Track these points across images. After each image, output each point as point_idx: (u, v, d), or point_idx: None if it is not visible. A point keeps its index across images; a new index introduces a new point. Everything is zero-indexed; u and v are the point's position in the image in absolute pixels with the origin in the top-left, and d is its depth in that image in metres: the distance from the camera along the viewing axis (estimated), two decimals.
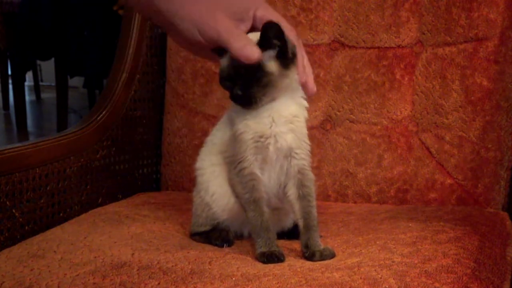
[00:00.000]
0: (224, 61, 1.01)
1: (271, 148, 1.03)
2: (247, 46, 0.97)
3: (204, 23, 0.99)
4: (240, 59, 0.97)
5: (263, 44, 0.98)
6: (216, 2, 1.01)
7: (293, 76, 1.02)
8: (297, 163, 1.04)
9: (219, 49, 1.01)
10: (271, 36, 0.98)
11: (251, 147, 1.02)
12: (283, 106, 1.03)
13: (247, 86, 0.99)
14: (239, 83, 0.99)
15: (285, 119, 1.03)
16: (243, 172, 1.03)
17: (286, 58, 1.00)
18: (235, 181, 1.05)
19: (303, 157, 1.04)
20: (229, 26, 0.99)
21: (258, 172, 1.03)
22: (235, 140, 1.04)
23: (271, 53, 0.99)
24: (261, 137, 1.02)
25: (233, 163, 1.04)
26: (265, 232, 1.01)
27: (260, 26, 1.00)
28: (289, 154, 1.04)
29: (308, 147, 1.06)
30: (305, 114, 1.06)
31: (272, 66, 0.99)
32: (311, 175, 1.05)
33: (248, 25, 1.01)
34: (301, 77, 1.03)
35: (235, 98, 1.01)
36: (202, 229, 1.11)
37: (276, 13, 1.03)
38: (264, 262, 0.98)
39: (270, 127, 1.02)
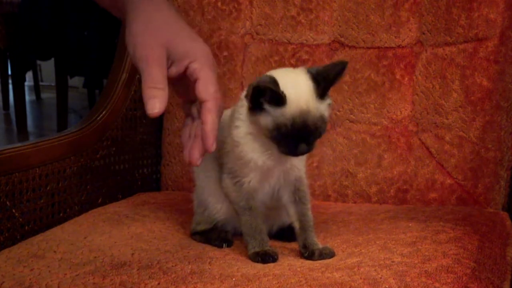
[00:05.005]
0: (285, 115, 0.93)
1: (276, 171, 1.03)
2: (154, 99, 0.90)
3: (138, 44, 0.93)
4: (145, 106, 0.91)
5: (326, 91, 0.95)
6: (163, 33, 0.95)
7: None
8: (296, 174, 1.05)
9: (275, 98, 0.93)
10: (338, 75, 0.94)
11: (256, 172, 1.02)
12: None
13: (314, 141, 0.96)
14: (309, 140, 0.95)
15: None
16: (242, 185, 1.03)
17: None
18: (231, 189, 1.04)
19: (301, 168, 1.05)
20: (155, 65, 0.92)
21: (257, 185, 1.04)
22: (236, 159, 1.02)
23: (328, 101, 0.96)
24: (268, 167, 1.02)
25: (232, 174, 1.03)
26: (259, 233, 1.01)
27: (190, 78, 0.94)
28: (289, 169, 1.04)
29: (305, 158, 1.06)
30: None
31: (328, 113, 0.96)
32: (305, 180, 1.06)
33: (179, 70, 0.94)
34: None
35: (295, 154, 0.95)
36: (202, 227, 1.12)
37: (210, 71, 0.94)
38: (258, 262, 0.98)
39: (279, 158, 1.01)
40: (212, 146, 0.92)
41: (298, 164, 1.04)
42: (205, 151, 0.94)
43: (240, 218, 1.04)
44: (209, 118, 0.92)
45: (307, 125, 0.93)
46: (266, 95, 0.93)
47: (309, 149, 0.95)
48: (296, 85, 0.95)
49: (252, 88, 0.93)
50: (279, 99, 0.93)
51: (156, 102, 0.90)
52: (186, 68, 0.94)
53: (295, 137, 0.94)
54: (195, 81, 0.94)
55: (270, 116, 0.94)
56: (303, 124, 0.93)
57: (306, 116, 0.93)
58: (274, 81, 0.93)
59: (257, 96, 0.94)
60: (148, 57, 0.92)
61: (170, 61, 0.94)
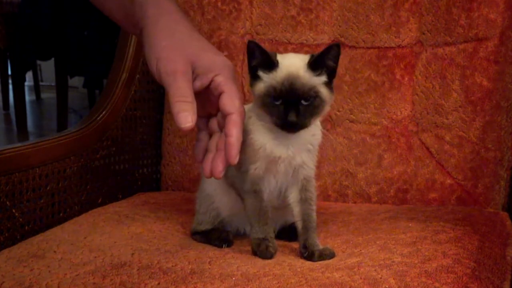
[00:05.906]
0: (275, 79, 0.99)
1: (282, 165, 1.03)
2: (184, 112, 0.91)
3: (164, 58, 0.94)
4: (175, 120, 0.92)
5: (318, 66, 0.98)
6: (187, 47, 0.97)
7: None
8: (305, 173, 1.05)
9: (267, 62, 0.99)
10: (331, 57, 0.98)
11: (264, 161, 1.03)
12: (305, 131, 1.02)
13: (305, 113, 0.98)
14: (295, 108, 0.97)
15: (304, 141, 1.03)
16: (247, 173, 1.03)
17: (331, 83, 1.00)
18: (236, 176, 1.05)
19: (311, 167, 1.06)
20: (182, 79, 0.93)
21: (262, 173, 1.04)
22: (246, 146, 1.03)
23: (323, 78, 0.99)
24: (275, 157, 1.03)
25: (239, 164, 1.04)
26: (263, 217, 1.02)
27: (214, 91, 0.97)
28: (299, 166, 1.04)
29: (316, 158, 1.07)
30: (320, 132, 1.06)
31: (325, 92, 0.99)
32: (314, 181, 1.06)
33: (203, 84, 0.96)
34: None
35: (285, 124, 0.97)
36: (204, 227, 1.12)
37: (234, 85, 0.97)
38: (258, 247, 0.99)
39: (288, 150, 1.02)
40: (236, 158, 0.94)
41: (308, 162, 1.05)
42: (228, 164, 0.96)
43: (245, 202, 1.04)
44: (234, 131, 0.95)
45: (295, 89, 0.97)
46: (256, 55, 0.99)
47: (299, 121, 0.97)
48: (291, 57, 1.02)
49: (247, 46, 0.99)
50: (270, 63, 0.98)
51: (188, 116, 0.92)
52: (211, 82, 0.97)
53: (284, 102, 0.97)
54: (219, 94, 0.97)
55: (263, 82, 0.99)
56: (291, 87, 0.97)
57: (294, 80, 0.97)
58: (272, 52, 1.00)
59: (250, 57, 0.99)
60: (176, 71, 0.94)
61: (195, 75, 0.96)
